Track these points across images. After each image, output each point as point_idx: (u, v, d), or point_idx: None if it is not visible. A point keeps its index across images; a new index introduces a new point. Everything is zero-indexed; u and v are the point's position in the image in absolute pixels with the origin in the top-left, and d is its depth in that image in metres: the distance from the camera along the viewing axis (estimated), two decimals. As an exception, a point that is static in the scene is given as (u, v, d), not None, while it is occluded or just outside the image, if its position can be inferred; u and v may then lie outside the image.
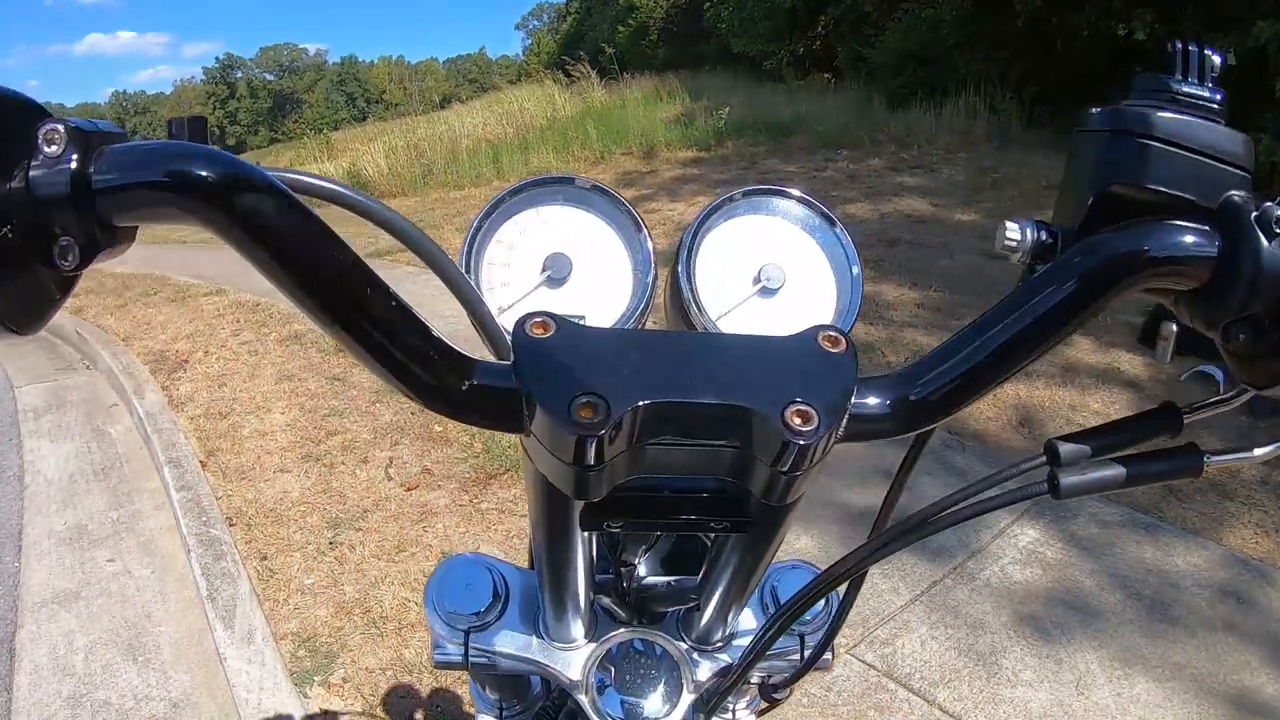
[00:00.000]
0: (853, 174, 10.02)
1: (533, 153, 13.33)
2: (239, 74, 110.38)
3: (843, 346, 0.56)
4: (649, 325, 0.78)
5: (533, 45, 72.49)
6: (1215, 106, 0.59)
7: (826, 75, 16.96)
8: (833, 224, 0.82)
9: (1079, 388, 4.95)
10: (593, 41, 32.29)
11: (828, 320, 0.78)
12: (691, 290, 0.77)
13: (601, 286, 0.77)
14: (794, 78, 17.44)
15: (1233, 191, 0.58)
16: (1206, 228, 0.57)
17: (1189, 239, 0.56)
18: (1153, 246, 0.57)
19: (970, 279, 6.46)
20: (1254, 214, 0.55)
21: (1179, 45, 0.60)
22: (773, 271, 0.79)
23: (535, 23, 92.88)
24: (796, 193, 0.82)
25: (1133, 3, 10.38)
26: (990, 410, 4.76)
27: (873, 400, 0.56)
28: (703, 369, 0.53)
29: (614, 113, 14.94)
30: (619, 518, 0.61)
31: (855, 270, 0.80)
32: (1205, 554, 3.47)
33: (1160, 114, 0.58)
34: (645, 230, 0.78)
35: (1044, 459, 0.63)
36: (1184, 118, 0.58)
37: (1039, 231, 0.64)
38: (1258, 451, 0.64)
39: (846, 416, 0.53)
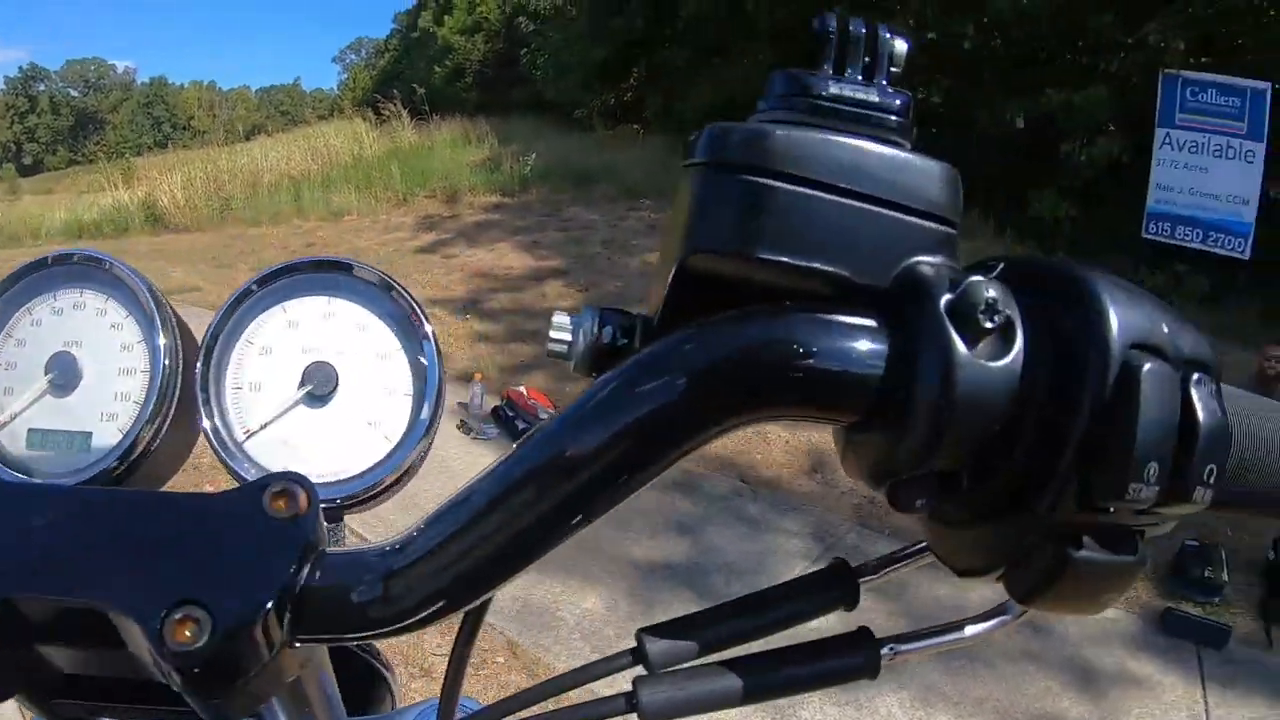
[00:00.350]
0: (653, 224, 10.20)
1: (335, 191, 12.95)
2: (42, 87, 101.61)
3: (299, 507, 0.40)
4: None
5: (348, 80, 70.73)
6: (892, 120, 0.39)
7: (636, 126, 17.21)
8: (408, 307, 0.65)
9: None
10: (408, 80, 31.85)
11: (393, 436, 0.63)
12: (217, 397, 0.62)
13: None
14: (604, 127, 17.70)
15: (918, 260, 0.38)
16: (870, 321, 0.37)
17: (828, 344, 0.36)
18: (755, 358, 0.37)
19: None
20: (946, 298, 0.35)
21: (830, 23, 0.39)
22: (321, 372, 0.63)
23: (353, 57, 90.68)
24: (365, 267, 0.65)
25: (930, 67, 11.30)
26: (781, 455, 4.90)
27: (338, 588, 0.39)
28: (75, 546, 0.38)
29: (421, 154, 14.73)
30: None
31: (432, 372, 0.63)
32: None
33: (786, 133, 0.37)
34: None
35: (630, 659, 0.46)
36: (833, 139, 0.38)
37: (600, 327, 0.44)
38: (970, 630, 0.47)
39: (281, 618, 0.38)
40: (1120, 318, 0.34)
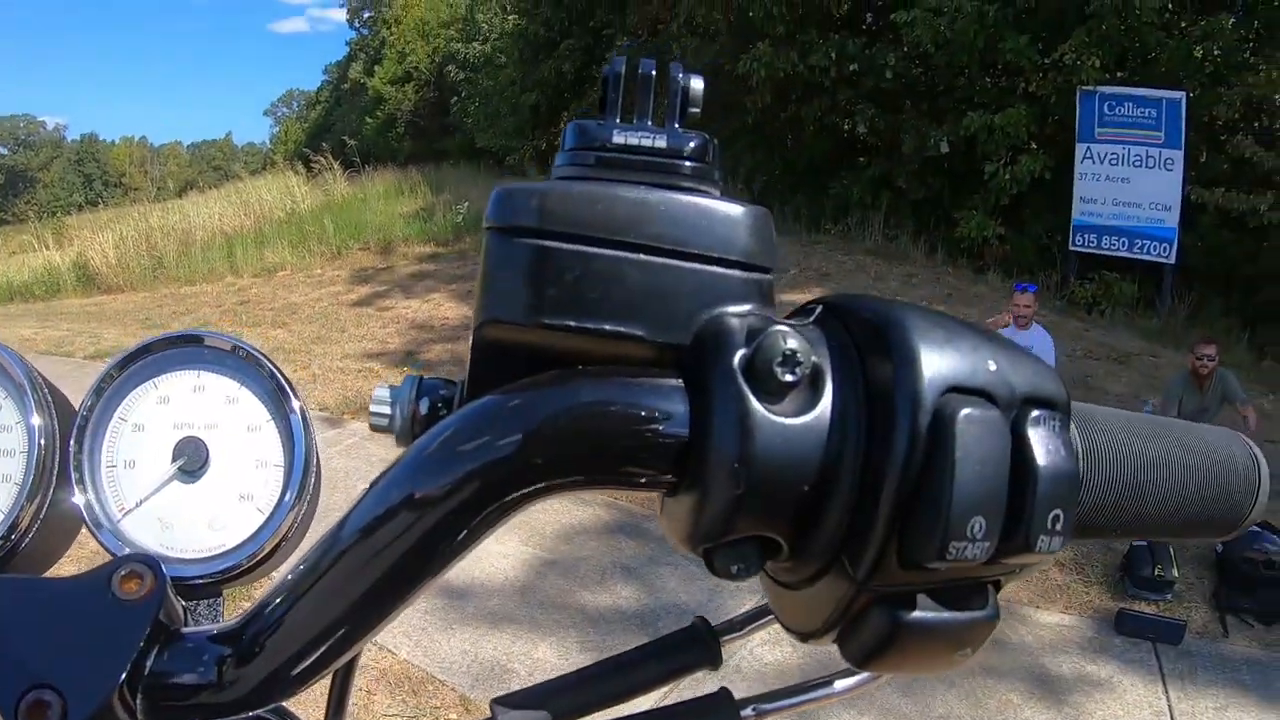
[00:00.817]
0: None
1: (269, 246, 12.86)
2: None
3: (146, 589, 0.39)
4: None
5: (280, 133, 70.50)
6: (686, 165, 0.36)
7: (568, 171, 17.33)
8: (277, 378, 0.64)
9: None
10: (340, 131, 31.89)
11: (265, 508, 0.62)
12: (92, 475, 0.61)
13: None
14: (536, 172, 17.86)
15: (720, 312, 0.35)
16: (669, 382, 0.34)
17: (622, 410, 0.34)
18: (538, 431, 0.34)
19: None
20: (741, 353, 0.33)
21: (618, 66, 0.38)
22: (191, 447, 0.62)
23: (284, 110, 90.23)
24: (217, 335, 0.65)
25: (855, 98, 11.56)
26: None
27: (190, 668, 0.38)
28: None
29: (354, 206, 14.70)
30: None
31: (300, 443, 0.62)
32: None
33: (565, 190, 0.35)
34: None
35: None
36: (616, 191, 0.35)
37: (418, 398, 0.42)
38: (839, 685, 0.46)
39: (133, 700, 0.37)
40: (932, 361, 0.31)
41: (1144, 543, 4.24)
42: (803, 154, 12.77)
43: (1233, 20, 9.50)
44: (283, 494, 0.62)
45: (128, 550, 0.60)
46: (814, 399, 0.32)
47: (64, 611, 0.38)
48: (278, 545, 0.62)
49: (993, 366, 0.32)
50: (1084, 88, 9.48)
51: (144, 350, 0.64)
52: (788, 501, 0.32)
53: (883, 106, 11.49)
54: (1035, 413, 0.32)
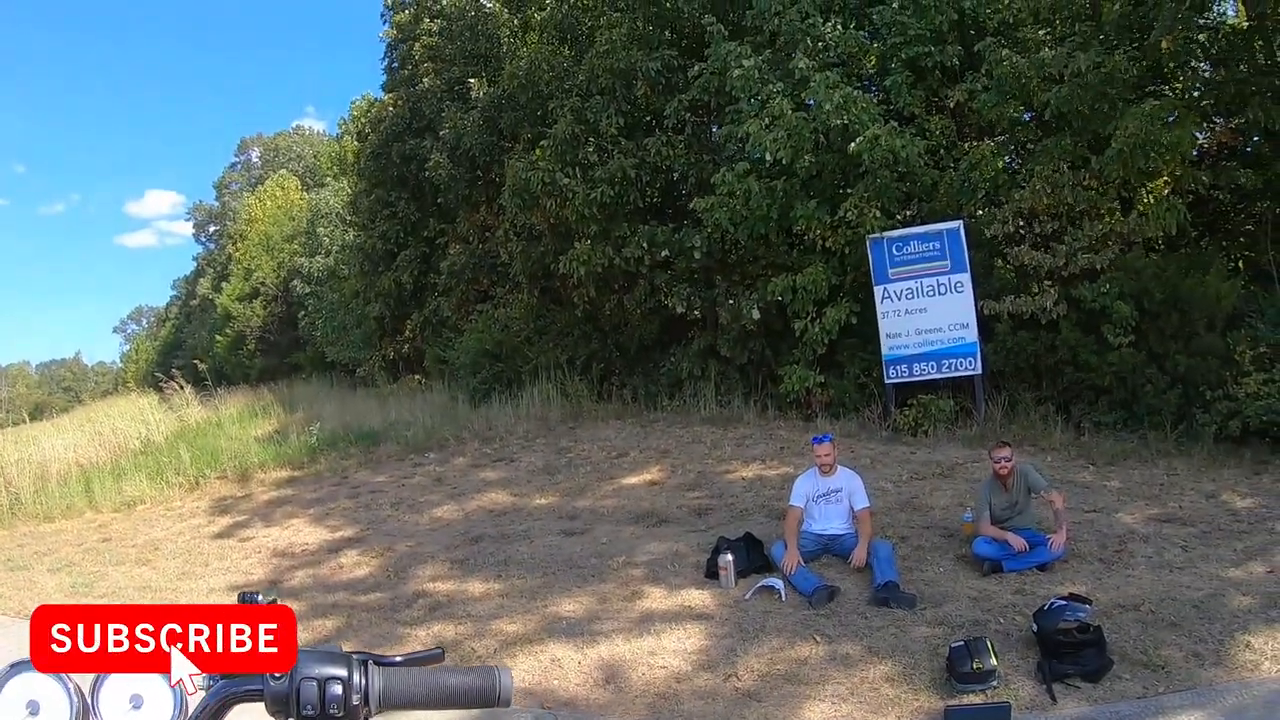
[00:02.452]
0: (439, 476, 10.57)
1: (126, 480, 12.60)
2: None
3: None
4: None
5: (130, 351, 68.65)
6: None
7: (417, 377, 17.86)
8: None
9: (655, 633, 5.54)
10: (191, 349, 31.38)
11: None
12: None
13: None
14: (386, 382, 18.25)
15: None
16: None
17: None
18: None
19: (549, 560, 7.05)
20: None
21: None
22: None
23: (134, 326, 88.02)
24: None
25: (671, 280, 12.39)
26: (577, 678, 5.13)
27: None
28: None
29: (209, 432, 14.67)
30: None
31: None
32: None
33: None
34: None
35: None
36: None
37: None
38: None
39: None
40: None
41: (961, 642, 4.73)
42: (633, 337, 13.42)
43: (994, 146, 10.60)
44: None
45: None
46: None
47: None
48: None
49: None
50: (871, 236, 10.43)
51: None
52: None
53: (697, 284, 12.34)
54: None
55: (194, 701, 1.08)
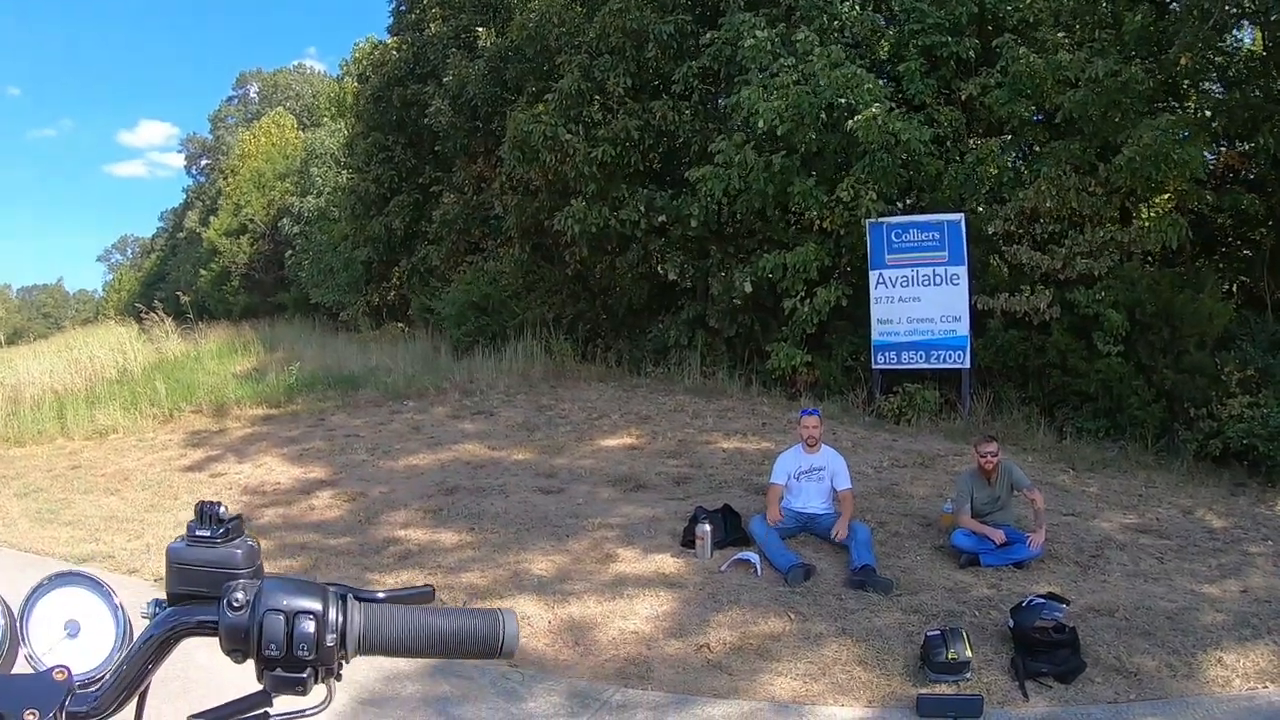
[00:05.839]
0: (417, 425, 10.44)
1: (100, 408, 12.41)
2: None
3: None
4: None
5: (114, 281, 67.87)
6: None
7: (401, 325, 17.68)
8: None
9: (628, 597, 5.49)
10: (175, 281, 31.02)
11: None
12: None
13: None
14: (369, 327, 18.04)
15: None
16: None
17: None
18: None
19: (523, 517, 6.97)
20: None
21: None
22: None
23: (119, 256, 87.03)
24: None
25: (665, 246, 12.28)
26: (545, 637, 5.07)
27: None
28: None
29: (187, 365, 14.49)
30: None
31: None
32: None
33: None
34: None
35: None
36: None
37: None
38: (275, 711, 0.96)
39: None
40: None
41: (937, 631, 4.69)
42: (622, 301, 13.36)
43: (1001, 143, 10.61)
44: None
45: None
46: None
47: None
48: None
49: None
50: (872, 220, 10.38)
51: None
52: None
53: (691, 253, 12.26)
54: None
55: (139, 631, 0.94)
